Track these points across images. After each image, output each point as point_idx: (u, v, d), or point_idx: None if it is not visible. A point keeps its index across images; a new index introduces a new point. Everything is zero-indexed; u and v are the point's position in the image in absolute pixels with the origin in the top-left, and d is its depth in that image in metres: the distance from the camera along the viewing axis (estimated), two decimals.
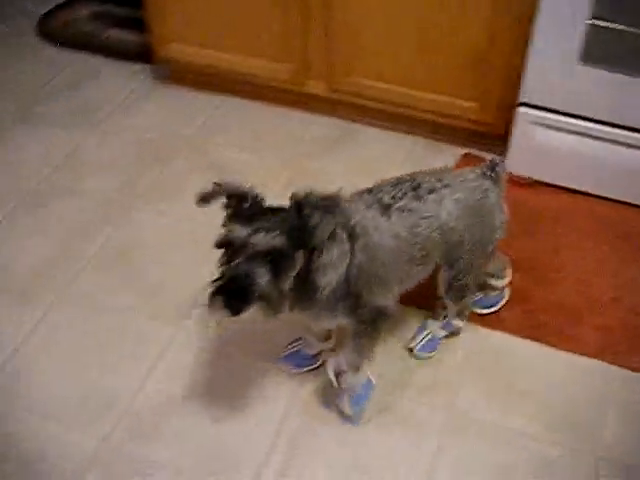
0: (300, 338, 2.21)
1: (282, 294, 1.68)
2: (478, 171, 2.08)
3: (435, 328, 2.26)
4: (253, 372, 2.21)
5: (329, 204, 1.68)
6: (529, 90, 2.60)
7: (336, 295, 1.81)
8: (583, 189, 2.76)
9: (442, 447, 2.04)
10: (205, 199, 1.75)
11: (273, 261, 1.63)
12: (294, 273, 1.70)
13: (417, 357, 2.25)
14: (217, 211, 2.60)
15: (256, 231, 1.63)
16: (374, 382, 2.09)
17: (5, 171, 2.91)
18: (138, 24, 3.60)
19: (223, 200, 1.76)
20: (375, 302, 1.90)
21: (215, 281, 1.68)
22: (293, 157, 2.96)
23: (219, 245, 1.69)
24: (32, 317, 2.37)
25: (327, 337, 2.18)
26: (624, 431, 2.09)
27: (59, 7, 3.84)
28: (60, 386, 2.19)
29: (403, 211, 1.89)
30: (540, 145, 2.70)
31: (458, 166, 2.85)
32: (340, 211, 1.73)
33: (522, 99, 2.63)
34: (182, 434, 2.07)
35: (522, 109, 2.65)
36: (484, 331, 2.32)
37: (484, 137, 2.91)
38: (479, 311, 2.34)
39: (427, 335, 2.26)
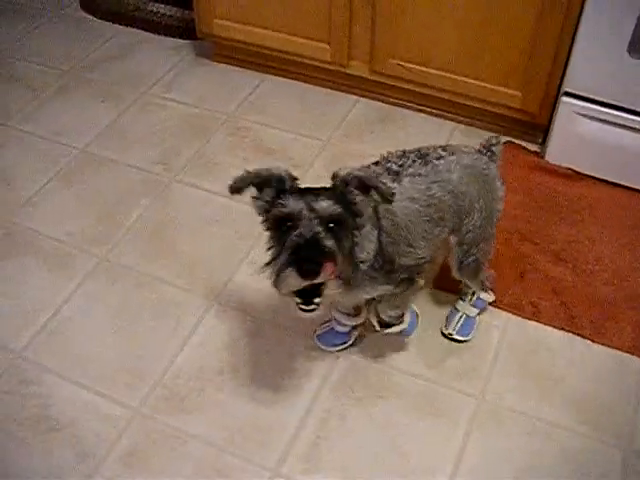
0: (330, 318, 2.22)
1: (344, 258, 1.68)
2: (475, 148, 2.10)
3: (467, 307, 2.27)
4: (285, 350, 2.23)
5: (367, 182, 1.69)
6: (574, 79, 2.58)
7: (374, 266, 1.85)
8: (622, 182, 2.73)
9: (471, 433, 2.04)
10: (237, 188, 1.74)
11: (333, 228, 1.64)
12: (350, 243, 1.72)
13: (458, 340, 2.25)
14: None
15: (313, 201, 1.64)
16: (417, 313, 2.16)
17: (46, 140, 2.94)
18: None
19: (252, 191, 1.75)
20: (407, 262, 1.93)
21: (275, 258, 1.68)
22: (333, 138, 2.96)
23: (275, 221, 1.68)
24: (69, 285, 2.40)
25: (357, 313, 2.18)
26: None
27: None
28: (94, 354, 2.21)
29: (414, 176, 1.91)
30: (581, 136, 2.68)
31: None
32: None
33: (566, 88, 2.61)
34: (214, 407, 2.08)
35: (565, 98, 2.63)
36: (519, 321, 2.31)
37: (526, 126, 2.89)
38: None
39: (461, 317, 2.27)
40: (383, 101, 3.12)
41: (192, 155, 2.87)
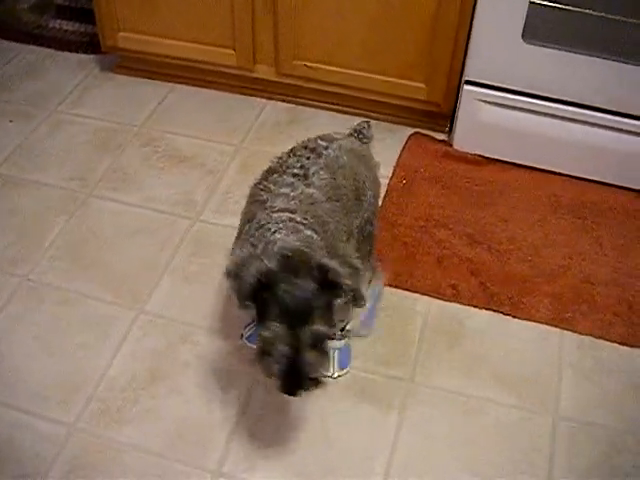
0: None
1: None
2: (346, 133, 2.17)
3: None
4: (215, 351, 2.25)
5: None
6: (473, 68, 2.67)
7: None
8: (529, 164, 2.84)
9: (404, 417, 2.10)
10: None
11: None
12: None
13: (362, 335, 2.28)
14: (173, 198, 2.66)
15: (299, 328, 1.62)
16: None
17: None
18: (81, 14, 3.60)
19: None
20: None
21: (268, 347, 1.66)
22: (245, 142, 2.99)
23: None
24: None
25: None
26: (579, 392, 2.17)
27: None
28: (24, 374, 2.19)
29: (318, 172, 1.90)
30: (485, 122, 2.77)
31: (407, 146, 2.92)
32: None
33: (467, 77, 2.70)
34: (150, 415, 2.09)
35: (467, 87, 2.72)
36: (440, 303, 2.38)
37: (433, 116, 2.97)
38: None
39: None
40: (291, 102, 3.17)
41: (107, 169, 2.86)
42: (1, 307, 2.37)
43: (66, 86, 3.28)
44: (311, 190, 1.86)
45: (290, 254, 1.64)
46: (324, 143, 2.00)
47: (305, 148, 1.98)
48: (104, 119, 3.11)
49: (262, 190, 1.88)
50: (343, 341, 2.19)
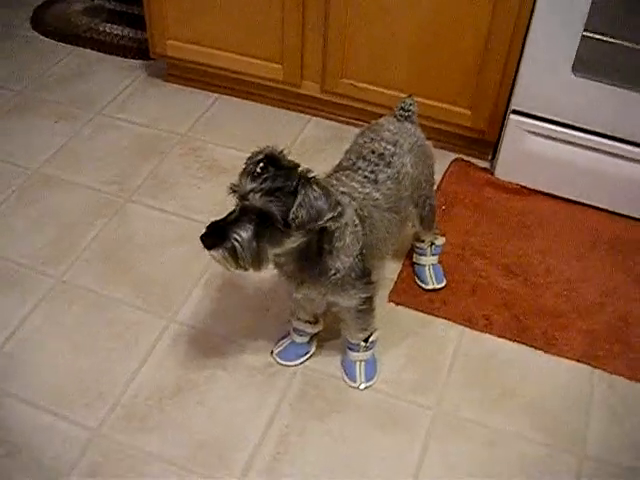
0: (288, 333, 2.26)
1: (259, 256, 1.73)
2: (393, 118, 2.23)
3: (430, 259, 2.48)
4: (243, 366, 2.24)
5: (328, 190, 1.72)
6: (521, 98, 2.64)
7: (352, 275, 1.91)
8: (570, 197, 2.80)
9: (429, 445, 2.07)
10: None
11: (261, 223, 1.68)
12: (280, 245, 1.74)
13: (439, 288, 2.46)
14: (210, 210, 2.66)
15: (257, 191, 1.67)
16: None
17: None
18: (132, 20, 3.63)
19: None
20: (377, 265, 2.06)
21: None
22: (289, 150, 2.97)
23: (228, 191, 1.73)
24: (25, 307, 2.38)
25: (316, 320, 2.23)
26: (606, 432, 2.13)
27: (53, 0, 3.85)
28: (52, 375, 2.20)
29: (386, 182, 2.01)
30: (529, 152, 2.74)
31: (449, 171, 2.90)
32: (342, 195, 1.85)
33: (514, 106, 2.67)
34: (173, 426, 2.09)
35: (513, 116, 2.69)
36: (473, 333, 2.35)
37: (476, 143, 2.95)
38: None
39: (430, 268, 2.48)
40: (335, 120, 3.16)
41: (146, 175, 2.88)
42: (33, 306, 2.38)
43: (112, 90, 3.31)
44: (377, 195, 1.98)
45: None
46: (390, 148, 2.07)
47: (373, 152, 2.06)
48: (148, 125, 3.13)
49: (332, 178, 1.99)
50: (369, 352, 2.20)
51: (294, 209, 1.65)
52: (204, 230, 1.72)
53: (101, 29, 3.64)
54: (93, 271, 2.51)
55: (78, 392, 2.16)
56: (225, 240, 1.69)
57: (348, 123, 3.14)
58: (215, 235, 1.71)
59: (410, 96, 2.26)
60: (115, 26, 3.65)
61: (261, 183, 1.67)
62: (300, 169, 1.72)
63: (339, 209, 1.72)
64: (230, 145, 3.03)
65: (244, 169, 1.74)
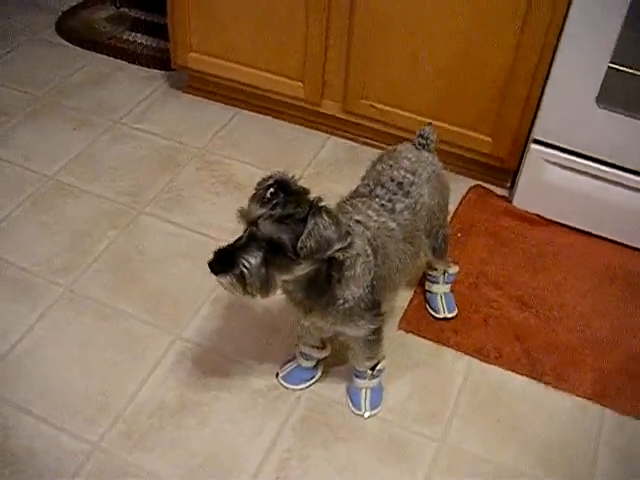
0: (294, 357, 2.23)
1: (267, 283, 1.70)
2: (411, 146, 2.20)
3: (443, 287, 2.45)
4: (248, 388, 2.22)
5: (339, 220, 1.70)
6: (543, 128, 2.61)
7: (361, 306, 1.87)
8: (588, 229, 2.76)
9: (431, 477, 2.03)
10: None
11: (270, 249, 1.66)
12: (288, 272, 1.72)
13: (451, 318, 2.43)
14: (223, 226, 2.64)
15: (265, 217, 1.64)
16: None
17: (15, 165, 2.92)
18: (155, 29, 3.63)
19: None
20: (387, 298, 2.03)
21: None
22: (303, 176, 2.94)
23: (237, 215, 1.71)
24: (32, 315, 2.37)
25: (323, 346, 2.20)
26: (613, 472, 2.09)
27: (79, 6, 3.86)
28: (55, 386, 2.18)
29: (403, 212, 1.99)
30: (549, 182, 2.71)
31: (467, 198, 2.87)
32: (353, 223, 1.84)
33: (535, 136, 2.64)
34: (173, 445, 2.06)
35: (534, 145, 2.66)
36: (482, 365, 2.32)
37: (495, 170, 2.92)
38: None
39: (442, 297, 2.44)
40: (354, 140, 3.14)
41: (162, 188, 2.87)
42: (40, 315, 2.37)
43: (133, 99, 3.31)
44: (393, 225, 1.95)
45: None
46: (409, 177, 2.04)
47: (392, 180, 2.03)
48: (166, 137, 3.12)
49: (347, 204, 1.98)
50: (375, 381, 2.17)
51: (303, 238, 1.62)
52: (211, 256, 1.70)
53: (124, 37, 3.64)
54: (103, 282, 2.49)
55: (80, 404, 2.15)
56: (233, 266, 1.67)
57: (367, 144, 3.12)
58: (223, 261, 1.69)
59: (430, 124, 2.24)
60: (138, 35, 3.65)
61: (271, 209, 1.65)
62: (311, 196, 1.70)
63: (349, 240, 1.70)
64: (247, 161, 3.01)
65: (254, 194, 1.72)
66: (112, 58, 3.55)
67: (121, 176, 2.91)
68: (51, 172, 2.90)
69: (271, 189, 1.69)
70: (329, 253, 1.68)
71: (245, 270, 1.66)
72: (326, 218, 1.64)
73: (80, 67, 3.49)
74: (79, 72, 3.46)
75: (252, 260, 1.66)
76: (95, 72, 3.47)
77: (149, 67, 3.49)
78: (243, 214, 1.70)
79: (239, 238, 1.70)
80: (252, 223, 1.67)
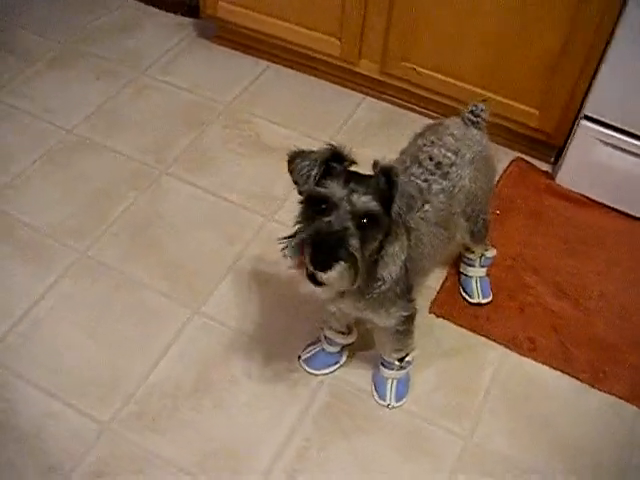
0: (318, 339, 2.13)
1: (363, 261, 1.56)
2: (460, 120, 2.05)
3: (478, 271, 2.32)
4: (268, 370, 2.12)
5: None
6: (595, 104, 2.46)
7: (397, 291, 1.77)
8: (635, 214, 2.61)
9: (455, 476, 1.94)
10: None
11: (365, 225, 1.54)
12: (368, 249, 1.59)
13: (485, 303, 2.31)
14: (246, 191, 2.51)
15: (354, 191, 1.53)
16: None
17: (33, 117, 2.79)
18: None
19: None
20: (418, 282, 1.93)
21: (299, 233, 1.57)
22: (334, 139, 2.80)
23: (311, 198, 1.58)
24: (44, 281, 2.28)
25: (349, 331, 2.10)
26: None
27: None
28: (67, 361, 2.10)
29: (439, 194, 1.87)
30: (598, 162, 2.56)
31: (508, 172, 2.71)
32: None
33: (587, 112, 2.49)
34: (186, 428, 1.98)
35: (584, 122, 2.51)
36: (514, 357, 2.21)
37: (539, 144, 2.76)
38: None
39: (477, 281, 2.32)
40: (390, 102, 2.99)
41: (185, 147, 2.73)
42: (53, 282, 2.27)
43: (159, 48, 3.16)
44: (427, 207, 1.83)
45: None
46: (450, 156, 1.92)
47: (431, 159, 1.90)
48: (192, 91, 2.97)
49: None
50: (403, 372, 2.07)
51: (397, 200, 1.54)
52: (308, 253, 1.50)
53: None
54: (120, 247, 2.39)
55: (91, 381, 2.06)
56: (340, 255, 1.50)
57: (404, 107, 2.96)
58: (324, 251, 1.50)
59: (484, 101, 2.07)
60: None
61: (356, 183, 1.54)
62: (377, 161, 1.60)
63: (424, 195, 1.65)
64: (275, 120, 2.87)
65: (307, 173, 1.57)
66: (140, 3, 3.39)
67: (143, 132, 2.78)
68: (71, 125, 2.77)
69: (333, 164, 1.58)
70: (415, 212, 1.61)
71: (357, 254, 1.52)
72: (403, 177, 1.57)
73: (108, 12, 3.34)
74: (105, 17, 3.31)
75: (354, 241, 1.52)
76: (122, 18, 3.32)
77: (177, 14, 3.33)
78: (323, 195, 1.55)
79: (311, 223, 1.55)
80: (335, 204, 1.53)
